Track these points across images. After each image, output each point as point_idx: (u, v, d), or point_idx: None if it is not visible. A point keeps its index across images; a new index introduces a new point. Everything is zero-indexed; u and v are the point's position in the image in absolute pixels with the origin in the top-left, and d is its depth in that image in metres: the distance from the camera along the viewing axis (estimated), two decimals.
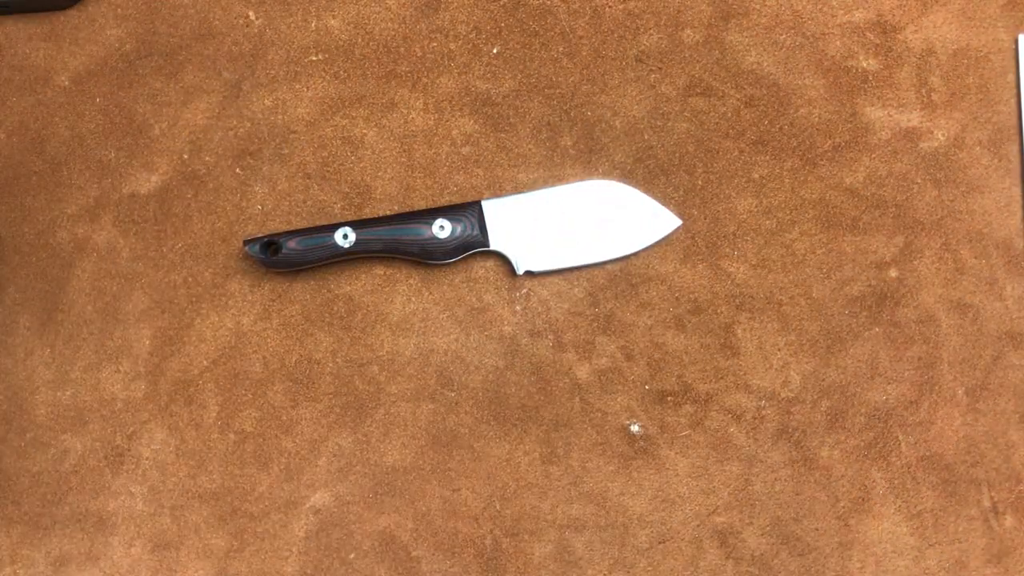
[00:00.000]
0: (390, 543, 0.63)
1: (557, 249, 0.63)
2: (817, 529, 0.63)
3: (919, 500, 0.63)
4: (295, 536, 0.63)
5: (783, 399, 0.64)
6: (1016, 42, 0.66)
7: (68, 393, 0.64)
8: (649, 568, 0.63)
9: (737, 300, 0.65)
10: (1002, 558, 0.63)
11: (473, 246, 0.63)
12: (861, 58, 0.66)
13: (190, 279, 0.65)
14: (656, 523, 0.63)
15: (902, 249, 0.65)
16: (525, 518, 0.63)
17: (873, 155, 0.65)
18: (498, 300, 0.65)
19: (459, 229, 0.62)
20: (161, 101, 0.66)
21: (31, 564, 0.63)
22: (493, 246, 0.63)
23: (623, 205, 0.64)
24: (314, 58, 0.66)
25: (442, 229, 0.62)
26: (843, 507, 0.63)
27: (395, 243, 0.62)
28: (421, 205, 0.65)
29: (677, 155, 0.66)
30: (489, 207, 0.63)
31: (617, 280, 0.65)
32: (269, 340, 0.65)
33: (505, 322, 0.64)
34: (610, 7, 0.66)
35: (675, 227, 0.64)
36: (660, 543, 0.63)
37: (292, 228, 0.65)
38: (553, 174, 0.66)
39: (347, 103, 0.66)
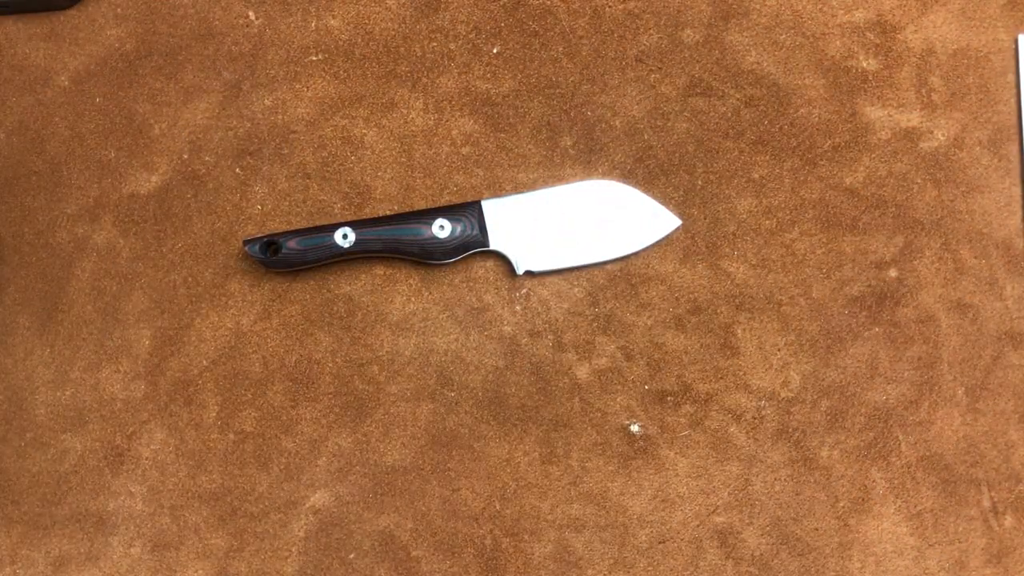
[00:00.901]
0: (390, 543, 0.63)
1: (557, 249, 0.63)
2: (817, 529, 0.63)
3: (919, 500, 0.63)
4: (295, 536, 0.63)
5: (783, 399, 0.64)
6: (1016, 42, 0.66)
7: (68, 393, 0.64)
8: (649, 568, 0.63)
9: (737, 300, 0.65)
10: (1002, 558, 0.63)
11: (473, 246, 0.63)
12: (861, 58, 0.66)
13: (190, 279, 0.65)
14: (656, 523, 0.63)
15: (902, 249, 0.65)
16: (525, 518, 0.63)
17: (873, 155, 0.65)
18: (498, 300, 0.65)
19: (459, 229, 0.62)
20: (161, 101, 0.66)
21: (31, 564, 0.63)
22: (493, 246, 0.63)
23: (623, 205, 0.64)
24: (314, 58, 0.66)
25: (442, 229, 0.62)
26: (843, 507, 0.63)
27: (395, 243, 0.62)
28: (421, 205, 0.65)
29: (677, 155, 0.66)
30: (489, 207, 0.63)
31: (617, 280, 0.65)
32: (269, 340, 0.65)
33: (505, 322, 0.64)
34: (610, 7, 0.66)
35: (675, 227, 0.64)
36: (660, 543, 0.63)
37: (292, 228, 0.65)
38: (553, 174, 0.66)
39: (347, 103, 0.66)
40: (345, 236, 0.62)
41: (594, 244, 0.64)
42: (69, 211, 0.65)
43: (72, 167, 0.66)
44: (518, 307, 0.64)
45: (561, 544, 0.63)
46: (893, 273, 0.65)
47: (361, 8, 0.67)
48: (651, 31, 0.66)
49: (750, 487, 0.63)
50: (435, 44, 0.66)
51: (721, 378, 0.64)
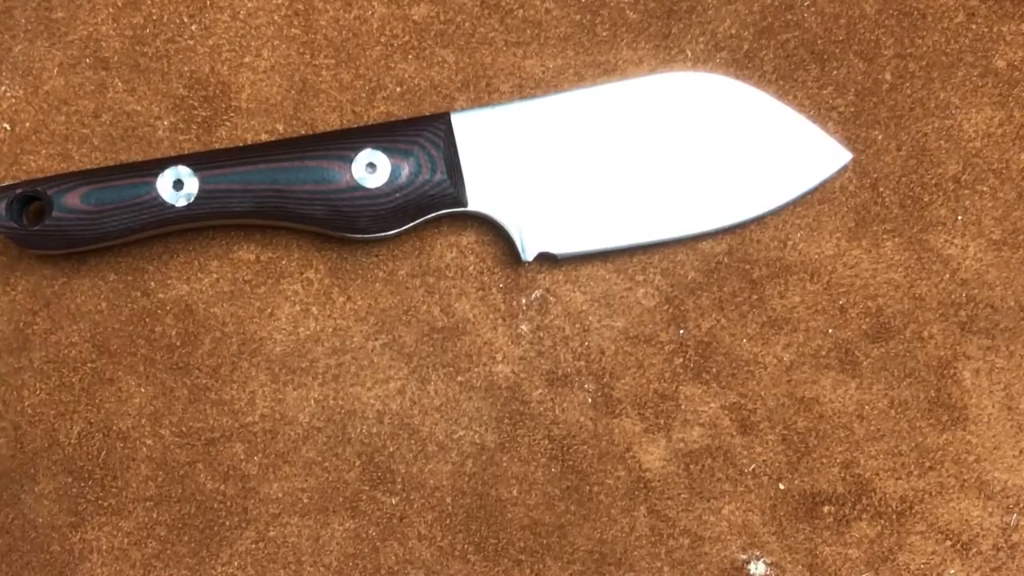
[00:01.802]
0: None
1: (600, 212, 0.32)
2: None
3: None
4: None
5: None
6: None
7: None
8: None
9: (963, 311, 0.33)
10: None
11: (433, 205, 0.33)
12: None
13: None
14: None
15: None
16: None
17: None
18: (484, 312, 0.32)
19: (405, 170, 0.32)
20: None
21: None
22: (473, 206, 0.32)
23: (734, 123, 0.32)
24: None
25: (372, 170, 0.31)
26: None
27: (278, 198, 0.32)
28: (333, 123, 0.33)
29: (841, 25, 0.33)
30: (464, 126, 0.32)
31: (722, 271, 0.33)
32: (25, 394, 0.32)
33: (498, 356, 0.32)
34: None
35: (839, 167, 0.32)
36: None
37: (75, 168, 0.32)
38: (594, 61, 0.33)
39: None
40: (179, 184, 0.32)
41: (674, 202, 0.32)
42: None
43: None
44: (524, 326, 0.32)
45: None
46: None
47: None
48: None
49: None
50: None
51: (931, 468, 0.32)
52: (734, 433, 0.32)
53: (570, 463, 0.33)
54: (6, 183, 0.33)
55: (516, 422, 0.33)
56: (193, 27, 0.34)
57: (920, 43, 0.33)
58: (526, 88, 0.33)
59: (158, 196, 0.31)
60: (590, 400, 0.33)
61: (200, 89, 0.33)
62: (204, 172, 0.31)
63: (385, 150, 0.32)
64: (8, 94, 0.33)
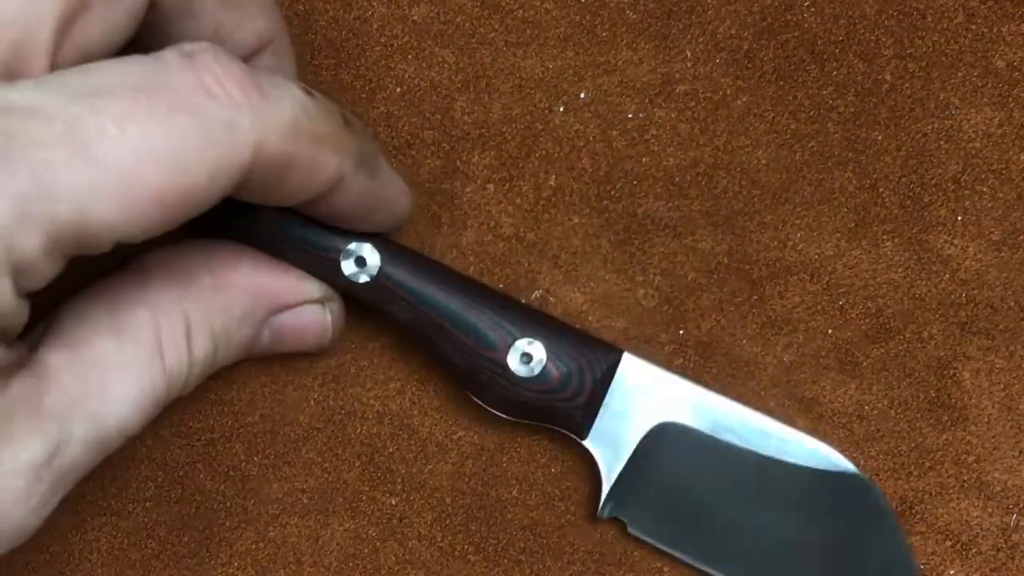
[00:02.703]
0: None
1: (690, 527, 0.32)
2: None
3: None
4: None
5: None
6: None
7: None
8: None
9: (963, 311, 0.33)
10: None
11: (555, 419, 0.31)
12: None
13: None
14: None
15: None
16: None
17: None
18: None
19: (554, 378, 0.31)
20: None
21: None
22: (588, 443, 0.32)
23: (860, 543, 0.32)
24: None
25: (526, 360, 0.31)
26: None
27: (430, 327, 0.31)
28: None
29: (841, 26, 0.33)
30: (628, 372, 0.31)
31: (721, 271, 0.33)
32: None
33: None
34: None
35: None
36: None
37: None
38: (594, 61, 0.33)
39: None
40: (361, 262, 0.30)
41: (757, 569, 0.32)
42: None
43: None
44: None
45: None
46: None
47: None
48: None
49: None
50: None
51: (931, 468, 0.32)
52: None
53: (569, 463, 0.33)
54: None
55: (516, 422, 0.33)
56: None
57: (920, 43, 0.33)
58: (526, 88, 0.33)
59: (340, 265, 0.30)
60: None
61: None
62: (388, 265, 0.30)
63: (549, 350, 0.30)
64: None
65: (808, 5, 0.33)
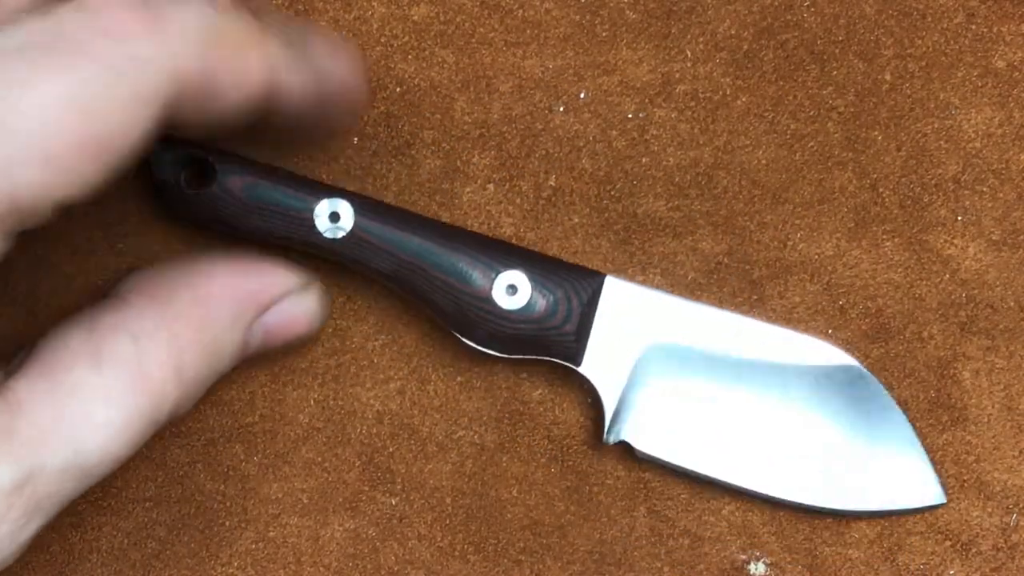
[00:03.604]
0: None
1: (695, 437, 0.32)
2: None
3: None
4: None
5: None
6: None
7: None
8: None
9: (963, 311, 0.33)
10: None
11: (549, 350, 0.32)
12: None
13: None
14: None
15: None
16: None
17: None
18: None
19: (541, 307, 0.31)
20: None
21: None
22: (584, 369, 0.32)
23: (859, 421, 0.32)
24: None
25: (511, 291, 0.31)
26: None
27: (416, 274, 0.31)
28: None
29: (841, 26, 0.33)
30: (613, 293, 0.32)
31: (721, 271, 0.33)
32: None
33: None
34: None
35: (927, 503, 0.32)
36: None
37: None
38: (594, 61, 0.33)
39: None
40: (335, 216, 0.31)
41: (769, 463, 0.32)
42: None
43: None
44: None
45: None
46: None
47: None
48: None
49: None
50: None
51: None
52: None
53: (570, 463, 0.33)
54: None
55: (516, 422, 0.33)
56: None
57: (920, 43, 0.33)
58: (526, 88, 0.33)
59: (314, 222, 0.30)
60: (590, 400, 0.33)
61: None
62: (363, 217, 0.30)
63: (532, 280, 0.31)
64: None
65: (808, 5, 0.33)
